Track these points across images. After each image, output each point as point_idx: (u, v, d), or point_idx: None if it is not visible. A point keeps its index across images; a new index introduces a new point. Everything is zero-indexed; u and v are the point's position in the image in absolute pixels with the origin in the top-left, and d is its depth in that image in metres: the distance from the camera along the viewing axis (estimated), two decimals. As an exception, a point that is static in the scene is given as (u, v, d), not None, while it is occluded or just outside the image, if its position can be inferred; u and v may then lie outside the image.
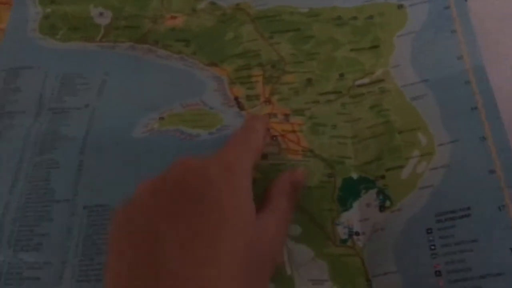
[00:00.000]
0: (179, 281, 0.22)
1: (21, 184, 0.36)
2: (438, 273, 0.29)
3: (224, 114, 0.38)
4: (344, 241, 0.32)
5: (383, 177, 0.34)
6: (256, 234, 0.25)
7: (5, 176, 0.36)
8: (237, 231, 0.24)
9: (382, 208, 0.33)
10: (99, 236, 0.33)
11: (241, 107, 0.38)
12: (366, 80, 0.37)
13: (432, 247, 0.30)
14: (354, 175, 0.34)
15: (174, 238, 0.23)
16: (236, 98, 0.39)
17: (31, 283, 0.32)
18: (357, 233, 0.33)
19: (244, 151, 0.29)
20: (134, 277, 0.23)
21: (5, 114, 0.40)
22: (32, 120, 0.39)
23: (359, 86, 0.37)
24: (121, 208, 0.26)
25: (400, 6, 0.39)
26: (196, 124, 0.38)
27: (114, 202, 0.34)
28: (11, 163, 0.37)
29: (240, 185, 0.26)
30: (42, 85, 0.41)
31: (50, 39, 0.43)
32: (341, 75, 0.38)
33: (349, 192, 0.34)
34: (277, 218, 0.29)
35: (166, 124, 0.38)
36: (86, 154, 0.37)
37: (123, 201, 0.27)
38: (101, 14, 0.44)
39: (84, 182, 0.36)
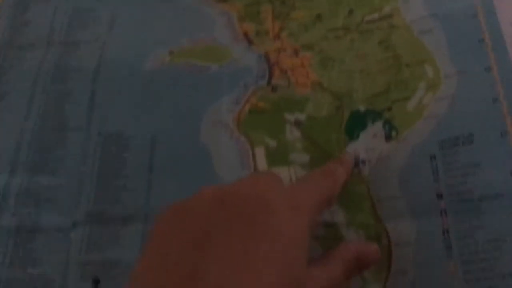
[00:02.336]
0: None
1: (35, 112, 0.37)
2: (440, 196, 0.30)
3: (234, 49, 0.39)
4: (350, 169, 0.34)
5: (389, 109, 0.34)
6: (296, 281, 0.24)
7: (19, 106, 0.37)
8: (281, 268, 0.23)
9: (388, 138, 0.34)
10: (113, 162, 0.34)
11: (250, 42, 0.39)
12: (375, 16, 0.38)
13: (435, 173, 0.31)
14: (362, 108, 0.35)
15: (223, 251, 0.23)
16: (245, 34, 0.39)
17: (49, 204, 0.33)
18: (363, 162, 0.34)
19: (317, 196, 0.28)
20: (171, 277, 0.22)
21: (16, 47, 0.40)
22: (43, 53, 0.40)
23: (368, 22, 0.38)
24: (179, 204, 0.26)
25: None
26: (206, 58, 0.38)
27: (128, 130, 0.35)
28: (24, 93, 0.38)
29: (300, 230, 0.25)
30: (52, 19, 0.41)
31: (59, -26, 0.43)
32: (350, 11, 0.39)
33: (356, 123, 0.35)
34: (324, 278, 0.26)
35: (177, 57, 0.38)
36: (98, 84, 0.37)
37: (183, 199, 0.26)
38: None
39: (97, 111, 0.36)
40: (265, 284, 0.22)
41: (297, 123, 0.35)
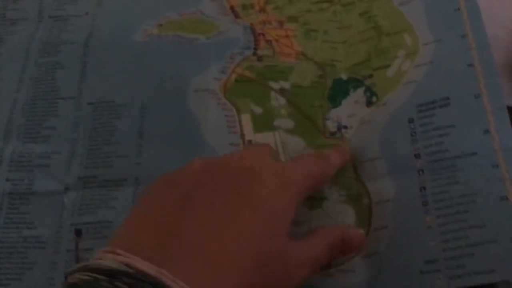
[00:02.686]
0: (189, 250, 0.22)
1: (27, 84, 0.38)
2: (417, 156, 0.32)
3: (220, 22, 0.40)
4: (333, 134, 0.35)
5: (370, 76, 0.36)
6: (277, 249, 0.25)
7: (11, 77, 0.38)
8: (262, 232, 0.24)
9: (369, 103, 0.35)
10: (105, 129, 0.35)
11: (236, 15, 0.40)
12: (357, -11, 0.39)
13: (413, 134, 0.33)
14: (344, 76, 0.37)
15: (205, 215, 0.23)
16: (231, 7, 0.40)
17: (42, 169, 0.34)
18: (345, 127, 0.35)
19: (307, 174, 0.28)
20: (152, 236, 0.23)
21: (6, 21, 0.41)
22: (34, 27, 0.41)
23: (350, -5, 0.39)
24: (170, 173, 0.27)
25: None
26: (193, 30, 0.39)
27: (118, 98, 0.36)
28: (16, 65, 0.39)
29: (285, 203, 0.26)
30: (42, -5, 0.42)
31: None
32: (333, -16, 0.40)
33: (339, 91, 0.36)
34: (304, 253, 0.26)
35: (165, 30, 0.39)
36: (89, 56, 0.38)
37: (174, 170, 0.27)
38: None
39: (88, 81, 0.37)
40: (244, 248, 0.23)
41: (282, 91, 0.36)
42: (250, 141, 0.34)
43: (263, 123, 0.35)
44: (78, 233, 0.32)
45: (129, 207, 0.32)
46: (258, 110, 0.35)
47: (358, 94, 0.36)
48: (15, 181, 0.34)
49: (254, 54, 0.38)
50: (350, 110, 0.36)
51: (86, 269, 0.21)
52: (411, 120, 0.33)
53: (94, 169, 0.34)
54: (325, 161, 0.31)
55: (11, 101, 0.37)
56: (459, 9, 0.35)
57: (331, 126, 0.35)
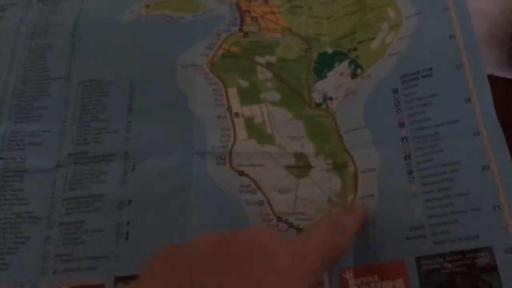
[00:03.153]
0: None
1: (17, 66, 0.38)
2: (401, 125, 0.33)
3: (206, 1, 0.40)
4: (319, 105, 0.36)
5: (355, 49, 0.37)
6: None
7: (1, 60, 0.39)
8: None
9: (353, 75, 0.36)
10: (94, 106, 0.36)
11: (222, -5, 0.41)
12: (341, -35, 0.40)
13: (397, 104, 0.33)
14: (329, 50, 0.37)
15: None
16: (218, -13, 0.41)
17: (34, 147, 0.35)
18: (330, 98, 0.36)
19: (321, 257, 0.26)
20: None
21: (-3, 6, 0.42)
22: (24, 11, 0.41)
23: (336, -28, 0.40)
24: (174, 248, 0.25)
25: None
26: (180, 9, 0.40)
27: (107, 77, 0.37)
28: (6, 48, 0.39)
29: (297, 278, 0.25)
30: (31, -21, 0.42)
31: None
32: (318, -38, 0.40)
33: (324, 64, 0.37)
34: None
35: (152, 10, 0.40)
36: (78, 37, 0.39)
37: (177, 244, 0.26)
38: None
39: (77, 61, 0.38)
40: None
41: (268, 65, 0.37)
42: (237, 114, 0.35)
43: (250, 96, 0.35)
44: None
45: (119, 180, 0.33)
46: (244, 83, 0.36)
47: (343, 67, 0.36)
48: (8, 160, 0.35)
49: (240, 30, 0.38)
50: (335, 82, 0.36)
51: None
52: (395, 91, 0.34)
53: (85, 145, 0.35)
54: (341, 233, 0.28)
55: (2, 83, 0.38)
56: (441, -18, 0.35)
57: (317, 97, 0.36)
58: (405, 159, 0.32)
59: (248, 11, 0.39)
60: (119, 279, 0.31)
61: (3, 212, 0.33)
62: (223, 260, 0.24)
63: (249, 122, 0.34)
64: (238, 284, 0.23)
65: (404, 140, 0.32)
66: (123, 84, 0.36)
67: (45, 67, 0.38)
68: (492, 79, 0.33)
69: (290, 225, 0.32)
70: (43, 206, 0.33)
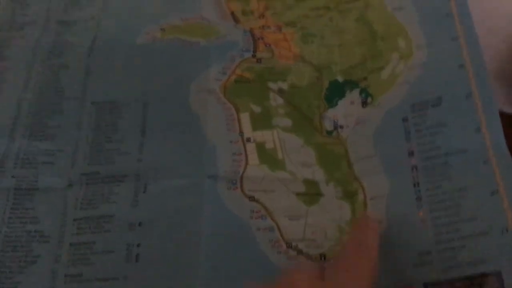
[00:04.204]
0: None
1: (32, 84, 0.39)
2: (411, 153, 0.33)
3: (221, 27, 0.41)
4: (329, 133, 0.36)
5: (365, 78, 0.37)
6: None
7: (17, 78, 0.39)
8: None
9: (364, 104, 0.36)
10: (107, 127, 0.36)
11: (236, 20, 0.41)
12: (352, -4, 0.41)
13: (407, 133, 0.34)
14: (340, 78, 0.38)
15: None
16: (232, 13, 0.42)
17: (46, 166, 0.35)
18: (341, 126, 0.36)
19: (359, 278, 0.27)
20: None
21: (14, 25, 0.42)
22: (41, 31, 0.42)
23: (346, 1, 0.41)
24: None
25: None
26: (195, 34, 0.40)
27: (121, 98, 0.37)
28: (22, 66, 0.40)
29: None
30: (49, 0, 0.43)
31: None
32: (330, -9, 0.41)
33: (335, 92, 0.37)
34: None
35: (167, 34, 0.41)
36: (93, 58, 0.39)
37: None
38: None
39: (92, 81, 0.38)
40: None
41: (280, 91, 0.37)
42: (249, 139, 0.35)
43: (262, 121, 0.36)
44: None
45: (130, 201, 0.34)
46: (257, 109, 0.37)
47: (353, 95, 0.37)
48: (20, 178, 0.35)
49: (253, 56, 0.39)
50: (346, 110, 0.37)
51: None
52: (405, 119, 0.34)
53: (97, 165, 0.35)
54: (369, 258, 0.28)
55: (18, 101, 0.38)
56: (450, 13, 0.36)
57: (328, 125, 0.36)
58: (414, 186, 0.32)
59: (262, 38, 0.40)
60: (128, 301, 0.31)
61: (14, 231, 0.33)
62: None
63: (261, 148, 0.35)
64: None
65: (414, 168, 0.33)
66: (137, 106, 0.37)
67: (60, 86, 0.39)
68: (502, 115, 0.33)
69: (300, 252, 0.32)
70: (54, 225, 0.33)
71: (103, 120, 0.37)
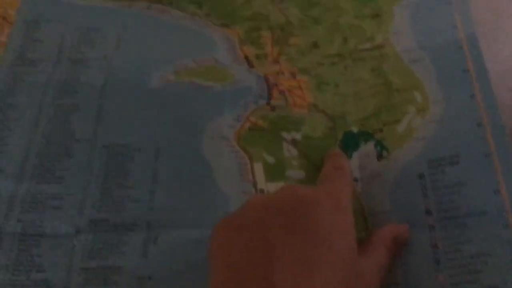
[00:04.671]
0: None
1: (42, 124, 0.38)
2: (428, 212, 0.32)
3: (235, 71, 0.41)
4: (344, 186, 0.35)
5: (381, 130, 0.37)
6: (354, 275, 0.26)
7: (27, 117, 0.39)
8: (341, 265, 0.25)
9: (379, 157, 0.36)
10: (118, 172, 0.36)
11: (250, 65, 0.41)
12: (367, 45, 0.41)
13: (424, 190, 0.33)
14: (354, 129, 0.38)
15: (287, 256, 0.24)
16: (246, 57, 0.42)
17: (54, 211, 0.34)
18: (355, 179, 0.36)
19: (345, 184, 0.31)
20: (245, 278, 0.24)
21: (26, 62, 0.42)
22: (52, 68, 0.41)
23: (361, 50, 0.41)
24: (232, 218, 0.27)
25: (401, -21, 0.42)
26: (209, 78, 0.40)
27: (133, 143, 0.37)
28: (33, 105, 0.39)
29: (346, 219, 0.28)
30: (62, 37, 0.43)
31: (69, -5, 0.46)
32: (345, 39, 0.41)
33: (349, 143, 0.37)
34: (373, 266, 0.29)
35: (181, 76, 0.40)
36: (105, 99, 0.39)
37: (229, 214, 0.28)
38: (118, -26, 0.46)
39: (104, 124, 0.38)
40: (334, 281, 0.24)
41: (294, 142, 0.37)
42: (262, 190, 0.35)
43: (275, 172, 0.35)
44: None
45: (140, 253, 0.33)
46: (270, 159, 0.36)
47: (368, 148, 0.37)
48: (26, 222, 0.34)
49: (268, 103, 0.39)
50: (361, 163, 0.36)
51: None
52: (421, 176, 0.34)
53: (106, 212, 0.34)
54: (345, 172, 0.33)
55: (26, 141, 0.37)
56: (467, 71, 0.36)
57: (342, 178, 0.36)
58: (432, 247, 0.31)
59: (276, 84, 0.40)
60: None
61: (19, 279, 0.32)
62: (282, 222, 0.25)
63: (275, 200, 0.34)
64: (304, 240, 0.25)
65: (432, 228, 0.32)
66: (149, 151, 0.36)
67: (70, 128, 0.38)
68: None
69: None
70: (60, 275, 0.32)
71: (114, 165, 0.36)
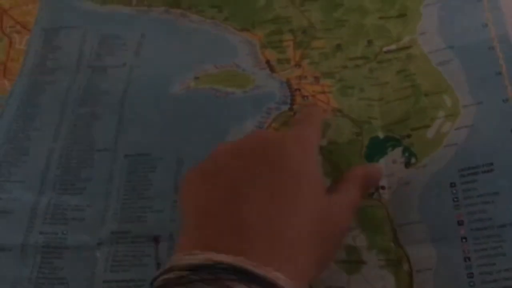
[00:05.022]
0: (259, 236, 0.24)
1: (63, 134, 0.38)
2: (460, 222, 0.31)
3: (256, 76, 0.40)
4: (371, 195, 0.34)
5: (409, 136, 0.35)
6: (324, 209, 0.27)
7: (48, 127, 0.38)
8: (310, 201, 0.26)
9: (407, 164, 0.35)
10: (140, 182, 0.35)
11: (272, 69, 0.40)
12: (393, 47, 0.39)
13: (455, 200, 0.32)
14: (381, 134, 0.36)
15: (256, 198, 0.25)
16: (267, 61, 0.41)
17: (76, 223, 0.34)
18: (383, 187, 0.34)
19: (313, 131, 0.31)
20: (217, 231, 0.24)
21: (46, 70, 0.42)
22: (73, 76, 0.41)
23: (387, 52, 0.39)
24: (200, 166, 0.28)
25: (428, -23, 0.40)
26: (230, 84, 0.39)
27: (154, 152, 0.36)
28: (53, 114, 0.39)
29: (313, 161, 0.28)
30: (81, 44, 0.43)
31: (88, 1, 0.45)
32: (369, 41, 0.40)
33: (376, 149, 0.36)
34: (343, 201, 0.29)
35: (202, 83, 0.40)
36: (126, 107, 0.39)
37: (198, 162, 0.28)
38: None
39: (125, 133, 0.37)
40: (306, 221, 0.25)
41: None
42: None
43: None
44: (157, 240, 0.33)
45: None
46: (295, 167, 0.35)
47: (396, 154, 0.35)
48: (48, 234, 0.34)
49: (290, 109, 0.38)
50: (388, 170, 0.35)
51: (169, 271, 0.22)
52: (453, 185, 0.32)
53: (128, 223, 0.34)
54: (314, 119, 0.33)
55: (48, 151, 0.37)
56: (500, 73, 0.34)
57: (369, 186, 0.34)
58: (465, 260, 0.30)
59: (299, 89, 0.38)
60: None
61: (42, 291, 0.32)
62: (250, 166, 0.26)
63: (300, 211, 0.33)
64: (273, 183, 0.25)
65: (464, 240, 0.31)
66: (170, 161, 0.36)
67: (91, 137, 0.38)
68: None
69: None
70: (83, 286, 0.32)
71: (136, 175, 0.36)
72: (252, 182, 0.25)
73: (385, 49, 0.39)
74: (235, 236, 0.23)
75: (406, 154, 0.35)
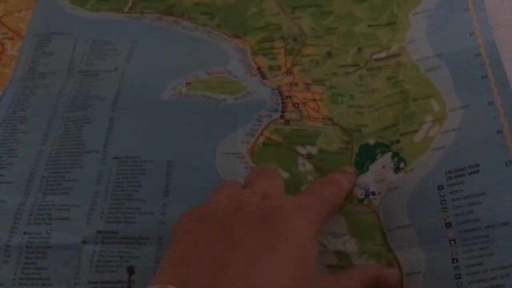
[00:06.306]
0: (234, 279, 0.24)
1: (52, 136, 0.38)
2: (448, 225, 0.31)
3: (248, 82, 0.40)
4: (361, 201, 0.34)
5: (398, 141, 0.36)
6: (310, 283, 0.27)
7: (37, 129, 0.38)
8: (299, 267, 0.26)
9: (396, 169, 0.35)
10: (129, 184, 0.35)
11: (263, 76, 0.41)
12: (383, 54, 0.40)
13: (443, 202, 0.32)
14: (371, 141, 0.36)
15: (243, 251, 0.25)
16: (259, 68, 0.41)
17: (60, 222, 0.34)
18: (373, 193, 0.34)
19: (323, 203, 0.31)
20: (197, 273, 0.24)
21: (37, 75, 0.42)
22: (64, 81, 0.41)
23: (376, 59, 0.40)
24: (197, 209, 0.29)
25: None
26: (221, 90, 0.39)
27: (144, 155, 0.36)
28: (43, 118, 0.39)
29: (311, 235, 0.28)
30: (73, 50, 0.43)
31: (80, 9, 0.46)
32: (359, 49, 0.40)
33: (366, 156, 0.36)
34: (339, 285, 0.29)
35: (193, 89, 0.40)
36: (117, 112, 0.39)
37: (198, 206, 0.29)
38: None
39: (115, 136, 0.37)
40: (284, 278, 0.25)
41: (309, 156, 0.36)
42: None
43: (290, 188, 0.34)
44: (131, 271, 0.32)
45: (151, 268, 0.32)
46: (285, 175, 0.35)
47: (385, 159, 0.35)
48: (32, 235, 0.33)
49: (282, 117, 0.38)
50: (377, 176, 0.35)
51: None
52: (440, 187, 0.32)
53: (115, 223, 0.33)
54: (336, 186, 0.33)
55: (36, 153, 0.37)
56: (486, 76, 0.35)
57: (359, 193, 0.34)
58: (453, 262, 0.30)
59: (290, 96, 0.39)
60: None
61: (26, 291, 0.32)
62: (245, 219, 0.27)
63: (289, 215, 0.33)
64: (264, 239, 0.26)
65: (452, 242, 0.31)
66: (161, 164, 0.36)
67: (80, 140, 0.37)
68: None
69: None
70: (67, 287, 0.32)
71: (125, 177, 0.35)
72: (244, 234, 0.26)
73: (374, 56, 0.40)
74: (217, 278, 0.24)
75: (395, 159, 0.35)
